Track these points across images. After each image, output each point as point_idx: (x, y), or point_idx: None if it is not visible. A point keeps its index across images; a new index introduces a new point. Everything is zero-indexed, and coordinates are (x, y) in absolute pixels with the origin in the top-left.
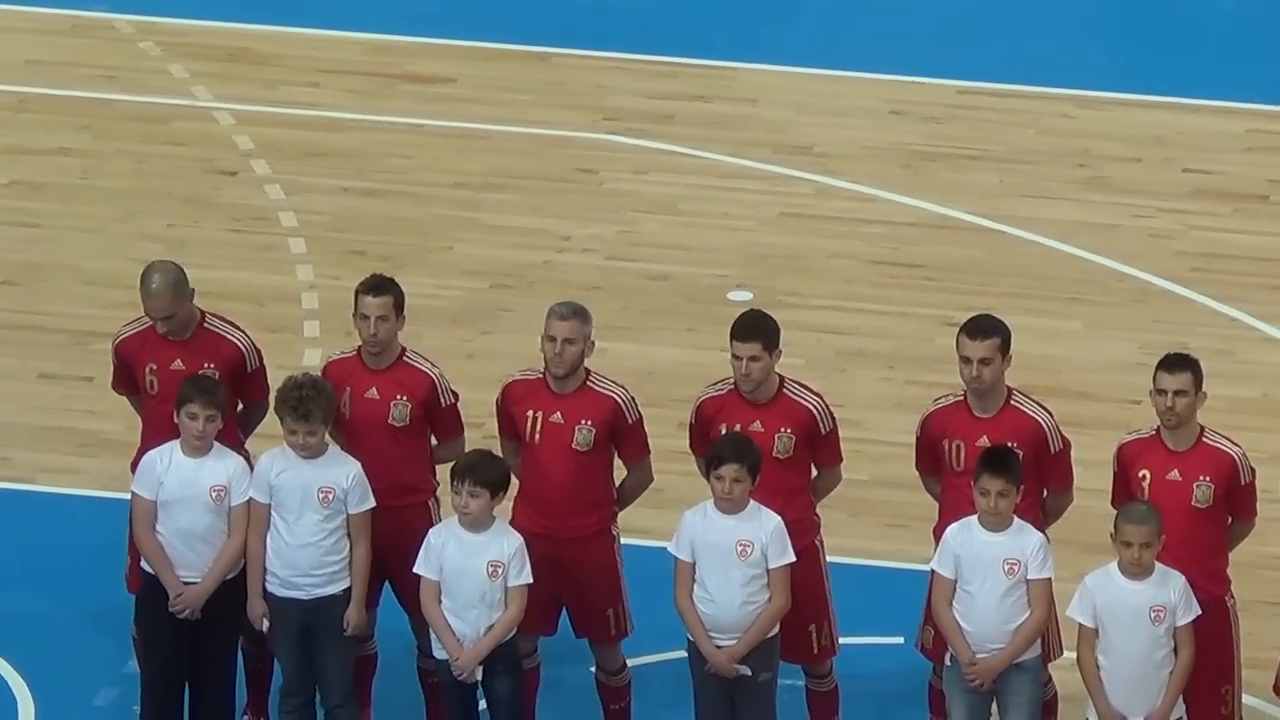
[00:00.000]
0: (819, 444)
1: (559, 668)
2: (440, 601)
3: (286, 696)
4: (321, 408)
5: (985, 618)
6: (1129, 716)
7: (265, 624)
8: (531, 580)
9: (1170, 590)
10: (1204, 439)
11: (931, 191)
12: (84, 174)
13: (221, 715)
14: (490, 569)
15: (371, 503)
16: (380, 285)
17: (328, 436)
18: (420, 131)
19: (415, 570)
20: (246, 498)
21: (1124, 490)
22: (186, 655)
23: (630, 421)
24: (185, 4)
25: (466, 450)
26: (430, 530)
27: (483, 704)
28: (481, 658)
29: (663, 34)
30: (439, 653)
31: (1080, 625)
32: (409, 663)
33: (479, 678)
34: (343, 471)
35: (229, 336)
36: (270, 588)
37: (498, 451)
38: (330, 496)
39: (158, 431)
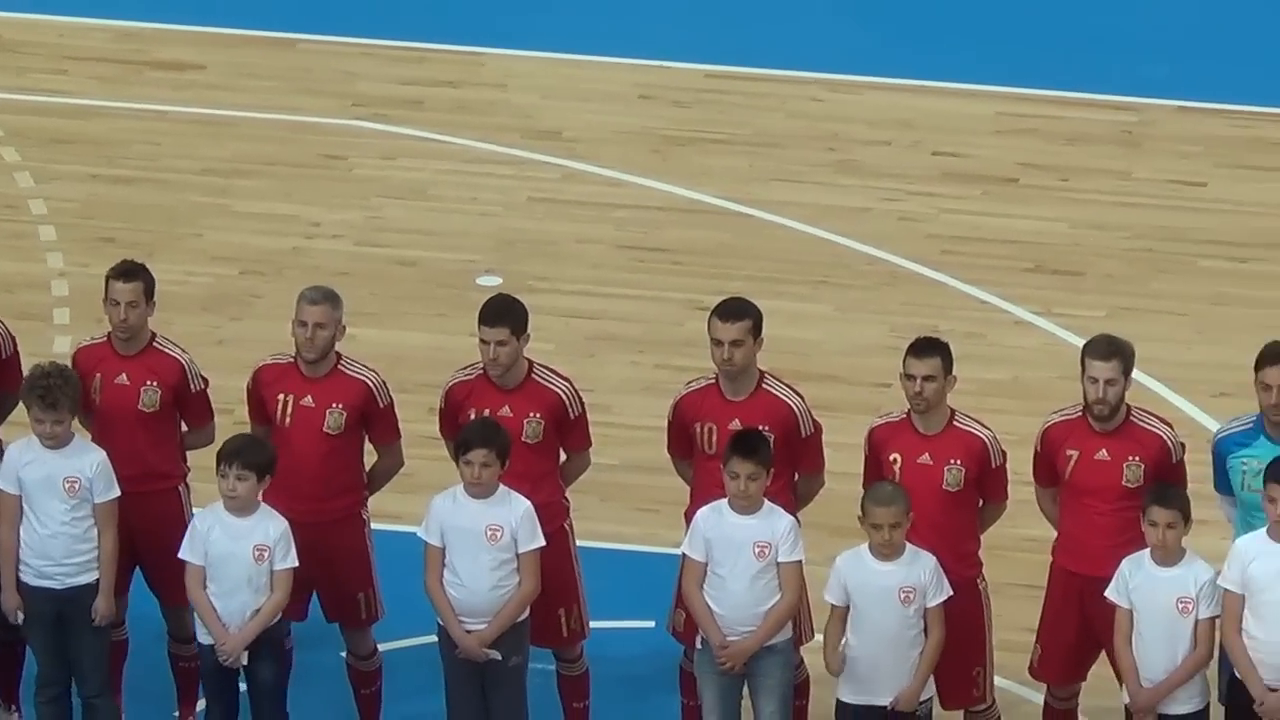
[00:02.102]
0: (568, 429)
1: (310, 652)
2: (205, 586)
3: (42, 686)
4: (69, 396)
5: (736, 601)
6: (878, 697)
7: (20, 617)
8: (297, 564)
9: (920, 571)
10: (954, 422)
11: (680, 176)
12: None
13: None
14: (256, 553)
15: (116, 492)
16: (130, 271)
17: (75, 425)
18: (168, 118)
19: (180, 555)
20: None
21: (875, 474)
22: None
23: (381, 405)
24: None
25: (216, 437)
26: (195, 515)
27: (243, 687)
28: (248, 641)
29: (411, 20)
30: (204, 637)
31: (832, 606)
32: (160, 649)
33: (244, 662)
34: (87, 461)
35: None
36: (24, 577)
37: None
38: (76, 486)
39: None
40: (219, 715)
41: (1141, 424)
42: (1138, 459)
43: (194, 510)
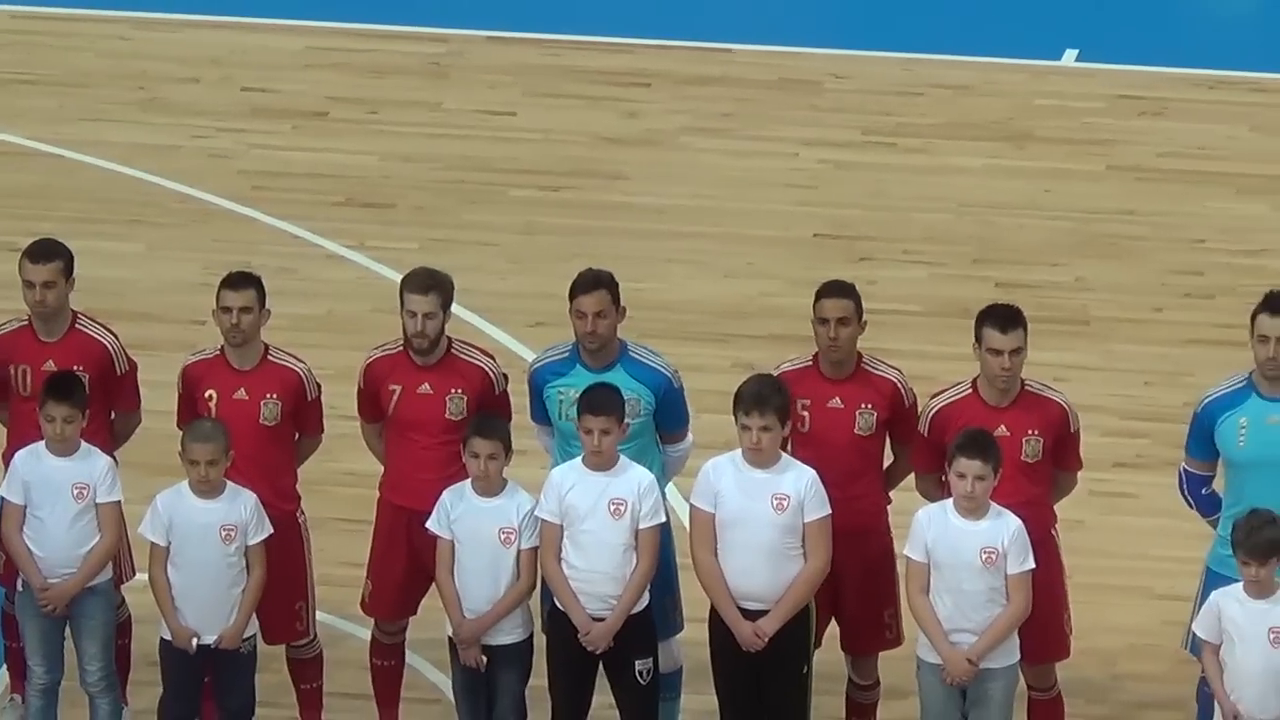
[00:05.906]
0: None
1: None
2: None
3: None
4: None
5: (56, 543)
6: (203, 634)
7: None
8: None
9: (240, 509)
10: (269, 357)
11: None
12: None
13: None
14: None
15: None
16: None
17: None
18: None
19: None
20: None
21: (189, 411)
22: None
23: None
24: None
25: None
26: None
27: None
28: None
29: None
30: None
31: (152, 545)
32: None
33: None
34: None
35: None
36: None
37: None
38: None
39: None
40: None
41: (462, 356)
42: (460, 391)
43: None
